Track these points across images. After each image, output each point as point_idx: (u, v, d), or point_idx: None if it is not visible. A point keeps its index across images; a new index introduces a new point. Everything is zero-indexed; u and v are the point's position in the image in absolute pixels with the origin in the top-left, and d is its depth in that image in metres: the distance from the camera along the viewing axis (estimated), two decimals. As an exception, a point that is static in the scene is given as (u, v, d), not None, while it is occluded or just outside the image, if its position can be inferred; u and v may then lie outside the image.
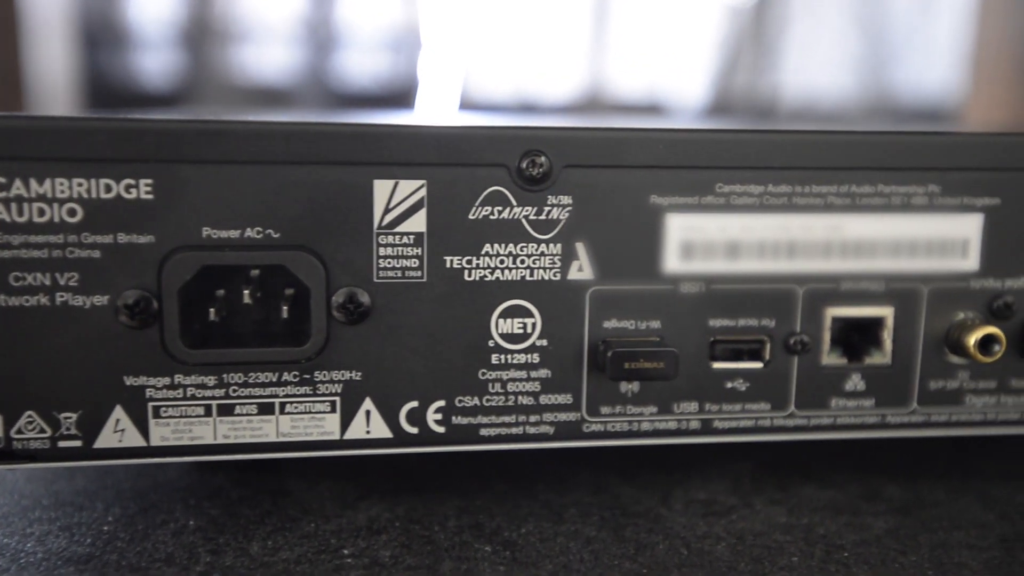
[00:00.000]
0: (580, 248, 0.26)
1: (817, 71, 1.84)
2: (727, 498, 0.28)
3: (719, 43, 1.83)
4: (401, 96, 1.73)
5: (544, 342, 0.26)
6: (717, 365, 0.27)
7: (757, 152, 0.26)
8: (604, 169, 0.25)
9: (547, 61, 1.76)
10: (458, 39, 1.74)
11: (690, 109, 1.79)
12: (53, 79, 1.32)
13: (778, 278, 0.27)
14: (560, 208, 0.25)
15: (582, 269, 0.26)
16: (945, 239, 0.27)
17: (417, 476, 0.29)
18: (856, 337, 0.28)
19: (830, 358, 0.27)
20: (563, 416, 0.26)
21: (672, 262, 0.26)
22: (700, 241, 0.26)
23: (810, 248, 0.27)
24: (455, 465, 0.30)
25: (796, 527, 0.26)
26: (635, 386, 0.27)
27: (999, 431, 0.29)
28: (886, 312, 0.27)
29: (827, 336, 0.27)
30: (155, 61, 1.63)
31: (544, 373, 0.26)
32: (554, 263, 0.26)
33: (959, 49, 1.11)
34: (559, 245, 0.25)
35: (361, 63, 1.74)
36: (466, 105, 1.76)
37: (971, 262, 0.27)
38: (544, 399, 0.26)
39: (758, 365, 0.27)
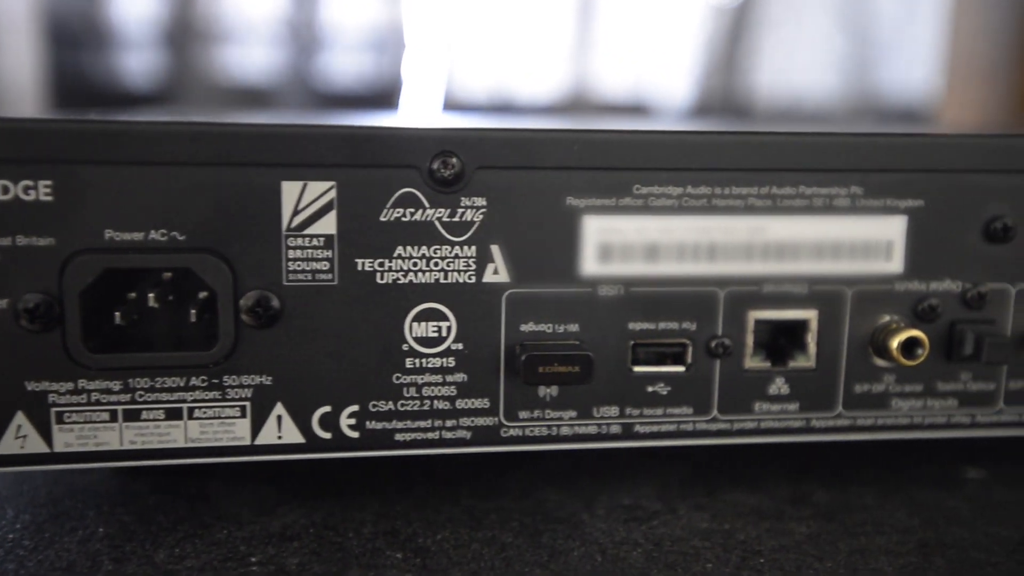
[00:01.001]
0: (495, 250, 0.25)
1: (801, 71, 1.85)
2: (652, 503, 0.28)
3: (704, 43, 1.83)
4: (385, 96, 1.73)
5: (460, 346, 0.26)
6: (638, 369, 0.27)
7: (675, 153, 0.25)
8: (519, 170, 0.25)
9: (532, 60, 1.76)
10: (442, 39, 1.73)
11: (674, 109, 1.79)
12: (17, 79, 1.31)
13: (699, 281, 0.26)
14: (474, 210, 0.25)
15: (498, 272, 0.25)
16: (869, 241, 0.27)
17: (341, 481, 0.29)
18: (780, 340, 0.27)
19: (753, 361, 0.27)
20: (480, 421, 0.26)
21: (590, 264, 0.26)
22: (618, 243, 0.26)
23: (731, 250, 0.26)
24: (381, 469, 0.30)
25: (716, 533, 0.26)
26: (553, 390, 0.26)
27: (925, 435, 0.28)
28: (810, 315, 0.27)
29: (750, 339, 0.27)
30: (138, 61, 1.62)
31: (460, 377, 0.26)
32: (469, 266, 0.25)
33: (937, 49, 1.11)
34: (474, 247, 0.25)
35: (345, 63, 1.73)
36: (450, 105, 1.76)
37: (895, 264, 0.27)
38: (460, 404, 0.26)
39: (680, 369, 0.27)
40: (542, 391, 0.26)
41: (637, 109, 1.82)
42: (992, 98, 0.92)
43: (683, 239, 0.26)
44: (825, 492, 0.29)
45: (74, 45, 1.58)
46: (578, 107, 1.75)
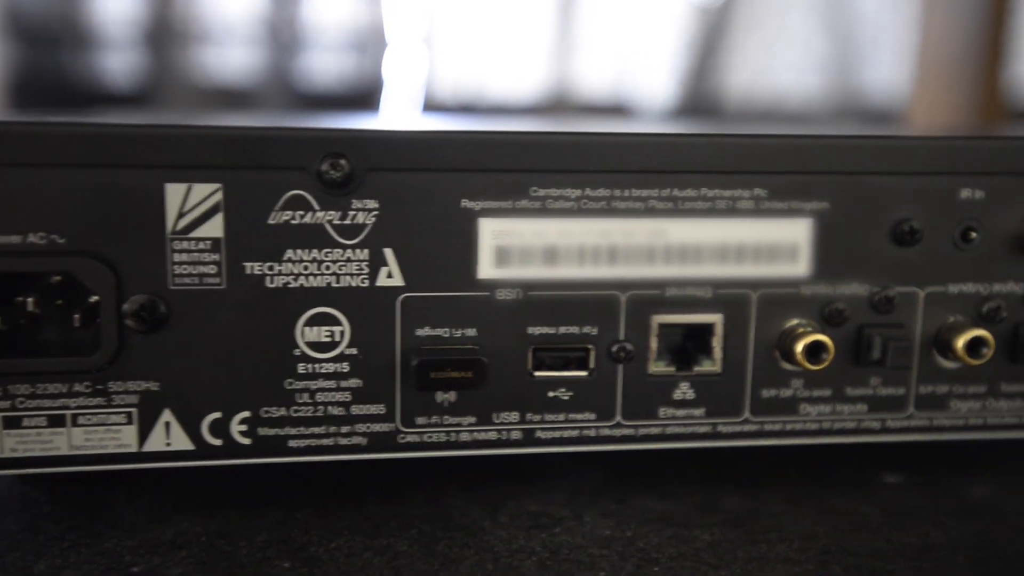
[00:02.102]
0: (389, 254, 0.25)
1: (783, 71, 1.84)
2: (560, 510, 0.28)
3: (686, 43, 1.83)
4: (366, 96, 1.72)
5: (354, 351, 0.25)
6: (539, 374, 0.26)
7: (573, 155, 0.25)
8: (411, 172, 0.24)
9: (513, 60, 1.76)
10: (423, 39, 1.73)
11: (655, 109, 1.79)
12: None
13: (600, 284, 0.26)
14: (366, 213, 0.24)
15: (392, 275, 0.25)
16: (773, 244, 0.26)
17: (245, 487, 0.28)
18: (685, 345, 0.27)
19: (657, 366, 0.27)
20: (376, 427, 0.26)
21: (487, 268, 0.25)
22: (516, 246, 0.25)
23: (632, 253, 0.26)
24: (287, 475, 0.29)
25: (617, 540, 0.26)
26: (452, 396, 0.26)
27: (835, 440, 0.28)
28: (715, 319, 0.27)
29: (654, 344, 0.27)
30: (118, 61, 1.61)
31: (355, 383, 0.25)
32: (361, 269, 0.25)
33: (909, 49, 1.11)
34: (366, 251, 0.25)
35: (326, 63, 1.73)
36: (430, 105, 1.76)
37: (801, 268, 0.27)
38: (356, 409, 0.25)
39: (582, 374, 0.26)
40: (440, 397, 0.26)
41: (618, 109, 1.82)
42: (961, 99, 0.92)
43: (583, 242, 0.26)
44: (737, 498, 0.29)
45: (54, 45, 1.57)
46: (559, 107, 1.75)
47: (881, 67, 1.76)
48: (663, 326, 0.26)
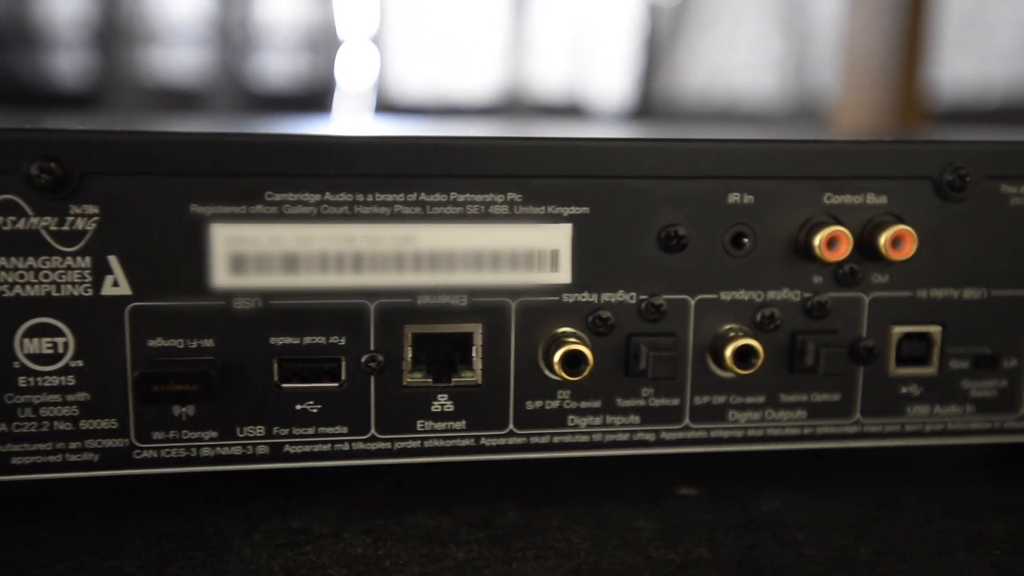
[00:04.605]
0: (114, 261, 0.24)
1: (738, 71, 1.84)
2: (322, 527, 0.27)
3: (641, 43, 1.83)
4: (319, 97, 1.70)
5: (80, 363, 0.24)
6: (286, 385, 0.25)
7: (309, 157, 0.24)
8: (134, 176, 0.23)
9: (468, 61, 1.75)
10: (375, 39, 1.71)
11: (611, 110, 1.78)
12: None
13: (345, 293, 0.25)
14: (85, 218, 0.23)
15: (118, 284, 0.24)
16: (531, 250, 0.25)
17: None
18: (442, 355, 0.26)
19: (413, 377, 0.26)
20: (109, 443, 0.25)
21: (222, 276, 0.24)
22: (252, 253, 0.24)
23: (379, 261, 0.25)
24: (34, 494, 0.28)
25: (362, 559, 0.25)
26: (190, 409, 0.25)
27: (606, 452, 0.27)
28: (473, 328, 0.26)
29: (409, 354, 0.26)
30: (67, 62, 1.59)
31: (83, 396, 0.24)
32: (84, 278, 0.24)
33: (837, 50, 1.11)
34: (88, 258, 0.24)
35: (278, 64, 1.71)
36: (383, 106, 1.74)
37: (562, 275, 0.26)
38: (85, 424, 0.24)
39: (332, 385, 0.25)
40: (177, 410, 0.25)
41: (573, 110, 1.81)
42: (883, 99, 0.92)
43: (324, 249, 0.24)
44: (516, 513, 0.28)
45: (1, 46, 1.55)
46: (513, 108, 1.74)
47: (838, 67, 1.76)
48: (418, 336, 0.25)
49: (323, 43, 1.73)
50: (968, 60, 1.50)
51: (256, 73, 1.67)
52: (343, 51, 1.70)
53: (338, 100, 1.69)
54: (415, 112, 1.60)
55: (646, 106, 1.80)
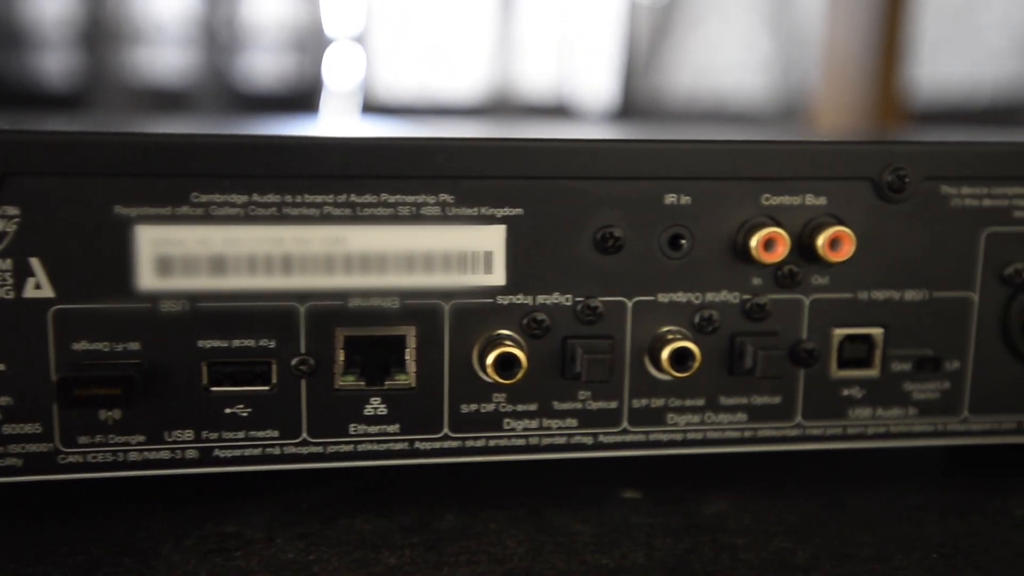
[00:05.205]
0: (36, 264, 0.23)
1: (726, 71, 1.84)
2: (257, 532, 0.26)
3: (629, 43, 1.82)
4: (306, 97, 1.70)
5: (2, 367, 0.24)
6: (216, 389, 0.25)
7: (236, 158, 0.24)
8: (56, 177, 0.23)
9: (455, 61, 1.74)
10: (362, 39, 1.71)
11: (598, 110, 1.78)
12: None
13: (275, 295, 0.25)
14: (5, 220, 0.23)
15: (40, 287, 0.23)
16: (464, 252, 0.25)
17: None
18: (375, 358, 0.26)
19: (345, 381, 0.25)
20: (33, 448, 0.24)
21: (147, 279, 0.24)
22: (178, 255, 0.24)
23: (309, 262, 0.24)
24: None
25: (293, 565, 0.24)
26: (116, 413, 0.24)
27: (544, 456, 0.27)
28: (406, 331, 0.25)
29: (340, 357, 0.25)
30: (54, 62, 1.58)
31: (5, 401, 0.24)
32: (5, 280, 0.23)
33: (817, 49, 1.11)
34: (9, 260, 0.23)
35: (265, 64, 1.70)
36: (370, 106, 1.74)
37: (496, 277, 0.25)
38: (8, 429, 0.24)
39: (263, 389, 0.25)
40: (103, 414, 0.24)
41: (560, 110, 1.81)
42: (861, 99, 0.92)
43: (253, 251, 0.24)
44: (455, 517, 0.28)
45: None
46: (501, 108, 1.73)
47: (817, 68, 1.76)
48: (350, 339, 0.25)
49: (310, 43, 1.73)
50: (958, 60, 1.50)
51: (243, 73, 1.66)
52: (330, 51, 1.70)
53: (325, 100, 1.69)
54: (401, 113, 1.60)
55: (633, 106, 1.80)
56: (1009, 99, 1.43)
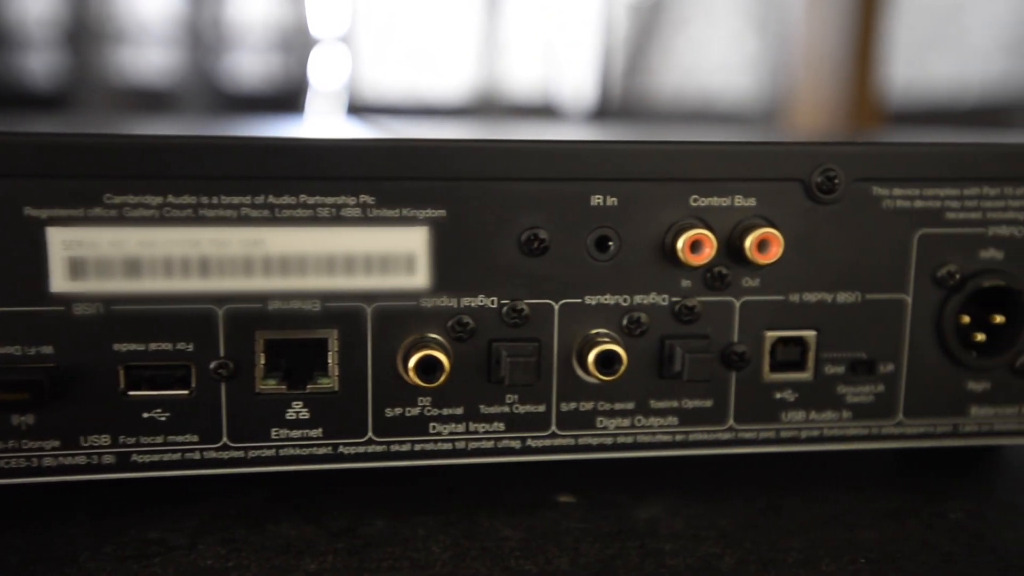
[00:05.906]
0: (-55, 266, 0.23)
1: (714, 72, 1.84)
2: (180, 538, 0.26)
3: (615, 43, 1.82)
4: (291, 97, 1.69)
5: (-89, 371, 0.23)
6: (133, 393, 0.25)
7: (149, 159, 0.23)
8: (-36, 178, 0.23)
9: (441, 60, 1.74)
10: (347, 39, 1.71)
11: (583, 111, 1.78)
12: None
13: (192, 298, 0.24)
14: (-87, 222, 0.23)
15: (-51, 290, 0.23)
16: (386, 254, 0.25)
17: None
18: (297, 362, 0.25)
19: (266, 384, 0.25)
20: (-56, 453, 0.24)
21: (59, 281, 0.23)
22: (92, 258, 0.23)
23: (226, 265, 0.24)
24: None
25: (211, 571, 0.24)
26: (29, 418, 0.24)
27: (471, 460, 0.26)
28: (328, 334, 0.25)
29: (261, 361, 0.25)
30: (38, 62, 1.58)
31: (-85, 405, 0.24)
32: (-87, 283, 0.23)
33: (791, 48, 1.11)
34: (-83, 263, 0.23)
35: (251, 64, 1.70)
36: (355, 106, 1.73)
37: (419, 279, 0.25)
38: (-82, 434, 0.24)
39: (182, 393, 0.25)
40: (16, 419, 0.24)
41: (546, 110, 1.80)
42: (836, 99, 0.92)
43: (168, 253, 0.24)
44: (384, 522, 0.27)
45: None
46: (486, 108, 1.73)
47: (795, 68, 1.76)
48: (271, 342, 0.25)
49: (296, 43, 1.72)
50: (945, 60, 1.50)
51: (228, 73, 1.65)
52: (316, 51, 1.69)
53: (310, 100, 1.68)
54: (387, 112, 1.60)
55: (619, 107, 1.80)
56: (996, 99, 1.43)
